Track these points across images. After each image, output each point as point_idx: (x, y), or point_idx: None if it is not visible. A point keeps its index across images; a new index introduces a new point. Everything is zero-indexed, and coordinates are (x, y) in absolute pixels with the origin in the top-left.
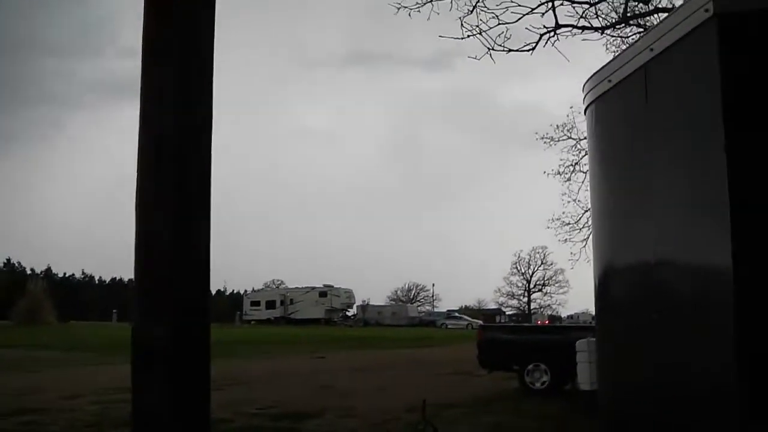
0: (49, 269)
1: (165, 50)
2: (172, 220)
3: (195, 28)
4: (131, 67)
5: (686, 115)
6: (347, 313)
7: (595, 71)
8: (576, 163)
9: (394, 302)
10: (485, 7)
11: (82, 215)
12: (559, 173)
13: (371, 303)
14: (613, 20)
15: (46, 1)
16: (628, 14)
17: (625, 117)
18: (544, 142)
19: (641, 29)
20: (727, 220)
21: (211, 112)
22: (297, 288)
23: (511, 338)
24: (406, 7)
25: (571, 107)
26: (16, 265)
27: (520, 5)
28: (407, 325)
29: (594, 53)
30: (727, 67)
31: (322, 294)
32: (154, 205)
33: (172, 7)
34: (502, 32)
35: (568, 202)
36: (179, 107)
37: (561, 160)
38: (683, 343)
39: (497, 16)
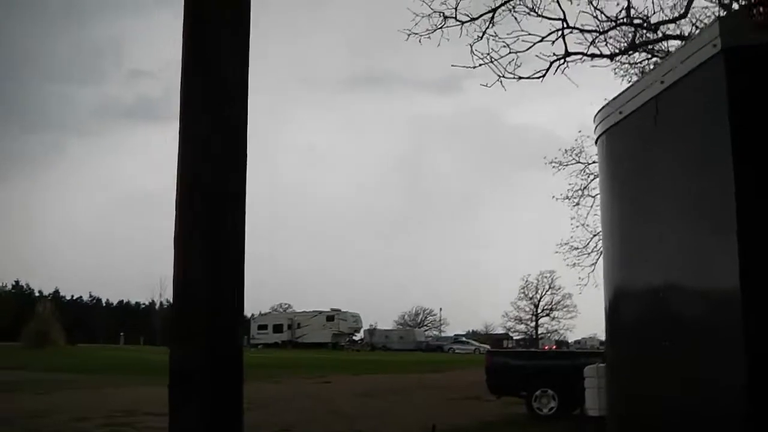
0: (57, 292)
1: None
2: (208, 255)
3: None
4: (135, 91)
5: (695, 147)
6: (354, 337)
7: (606, 102)
8: (584, 188)
9: (401, 326)
10: (496, 36)
11: (90, 238)
12: (567, 198)
13: (379, 327)
14: (622, 47)
15: (50, 25)
16: (637, 42)
17: (636, 147)
18: (553, 167)
19: (650, 56)
20: (735, 247)
21: (246, 156)
22: (304, 312)
23: (520, 364)
24: (416, 34)
25: (580, 131)
26: (25, 287)
27: (530, 34)
28: (415, 350)
29: (604, 78)
30: (735, 101)
31: (330, 318)
32: (192, 243)
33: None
34: (513, 60)
35: (577, 226)
36: (218, 160)
37: (570, 184)
38: (693, 371)
39: (508, 45)
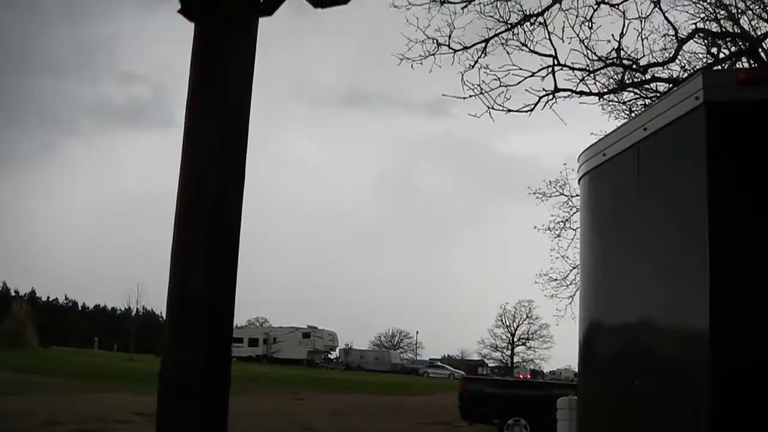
0: (33, 292)
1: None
2: (204, 262)
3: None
4: (128, 93)
5: (673, 192)
6: (330, 355)
7: (590, 144)
8: (566, 220)
9: (377, 347)
10: (487, 67)
11: (71, 239)
12: (549, 229)
13: (354, 347)
14: (611, 87)
15: (46, 22)
16: (626, 81)
17: (617, 188)
18: (537, 197)
19: (638, 96)
20: (706, 289)
21: (245, 161)
22: (281, 327)
23: (493, 391)
24: (409, 59)
25: (565, 164)
26: (0, 286)
27: (521, 68)
28: (389, 371)
29: (591, 115)
30: (713, 152)
31: (306, 335)
32: (190, 251)
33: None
34: (502, 92)
35: (557, 258)
36: (222, 162)
37: (552, 215)
38: (662, 409)
39: (498, 78)
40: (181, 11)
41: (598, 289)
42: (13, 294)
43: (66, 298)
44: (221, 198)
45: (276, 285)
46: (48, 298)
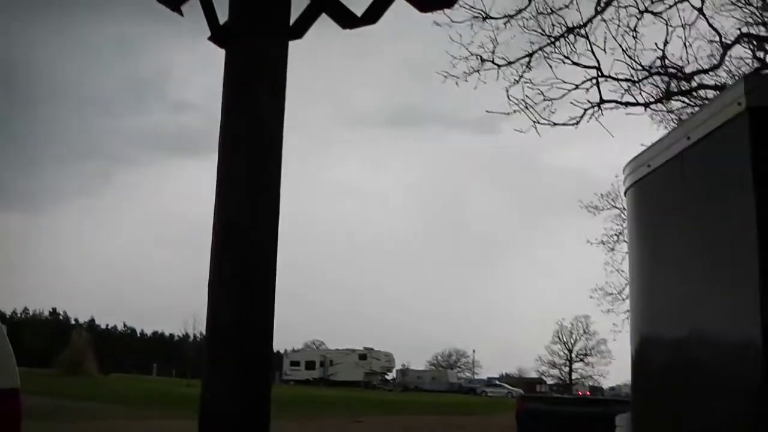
0: (92, 320)
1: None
2: (245, 293)
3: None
4: (179, 122)
5: (720, 203)
6: (387, 376)
7: (634, 156)
8: (620, 233)
9: (434, 367)
10: (531, 82)
11: (127, 268)
12: (602, 243)
13: (411, 367)
14: (657, 96)
15: (97, 57)
16: (672, 90)
17: (662, 199)
18: (589, 211)
19: (686, 105)
20: (757, 299)
21: (279, 188)
22: (337, 350)
23: (550, 409)
24: (453, 76)
25: (616, 176)
26: (61, 314)
27: (564, 81)
28: (447, 391)
29: (641, 125)
30: (758, 159)
31: (362, 356)
32: (226, 279)
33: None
34: (547, 106)
35: (611, 272)
36: (255, 190)
37: (605, 229)
38: (716, 423)
39: (542, 92)
40: (211, 38)
41: (646, 302)
42: (72, 322)
43: (124, 326)
44: (255, 226)
45: (332, 308)
46: (107, 325)
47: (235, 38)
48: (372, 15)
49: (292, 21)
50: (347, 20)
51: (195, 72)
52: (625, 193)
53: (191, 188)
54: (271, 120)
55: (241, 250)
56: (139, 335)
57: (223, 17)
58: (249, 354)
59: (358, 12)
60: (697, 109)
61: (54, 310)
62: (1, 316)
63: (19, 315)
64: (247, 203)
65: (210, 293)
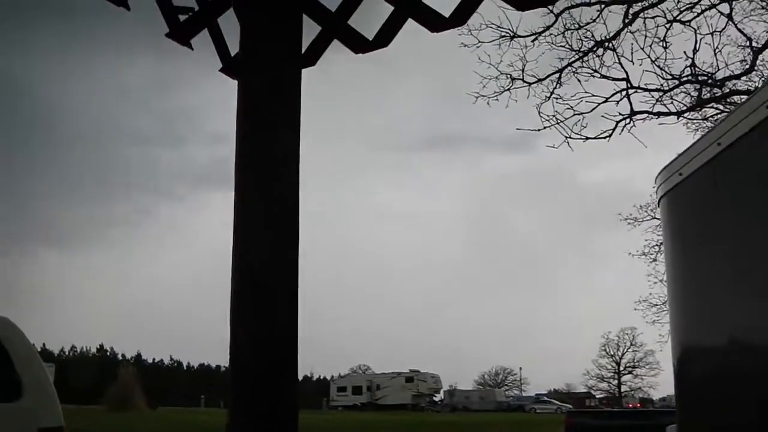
0: (139, 355)
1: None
2: (265, 329)
3: (283, 135)
4: (212, 156)
5: (754, 208)
6: (434, 398)
7: (665, 165)
8: (661, 244)
9: (481, 387)
10: (561, 98)
11: (170, 301)
12: (644, 254)
13: (458, 387)
14: (689, 104)
15: (134, 94)
16: (704, 98)
17: (696, 207)
18: (628, 223)
19: (720, 111)
20: None
21: (297, 218)
22: (383, 373)
23: (599, 424)
24: (484, 96)
25: (653, 186)
26: (108, 350)
27: (594, 95)
28: (495, 410)
29: (676, 134)
30: None
31: (409, 379)
32: (247, 318)
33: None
34: (578, 120)
35: (655, 283)
36: (273, 223)
37: (646, 240)
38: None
39: (572, 107)
40: (223, 70)
41: (685, 311)
42: (119, 358)
43: (171, 359)
44: (274, 258)
45: (377, 332)
46: (153, 359)
47: (247, 69)
48: (383, 38)
49: (303, 48)
50: (359, 45)
51: (224, 104)
52: (658, 203)
53: (228, 218)
54: (287, 149)
55: (260, 284)
56: (185, 368)
57: (234, 48)
58: (273, 392)
59: (369, 36)
60: None
61: (101, 346)
62: (49, 355)
63: (67, 353)
64: (266, 235)
65: (232, 326)
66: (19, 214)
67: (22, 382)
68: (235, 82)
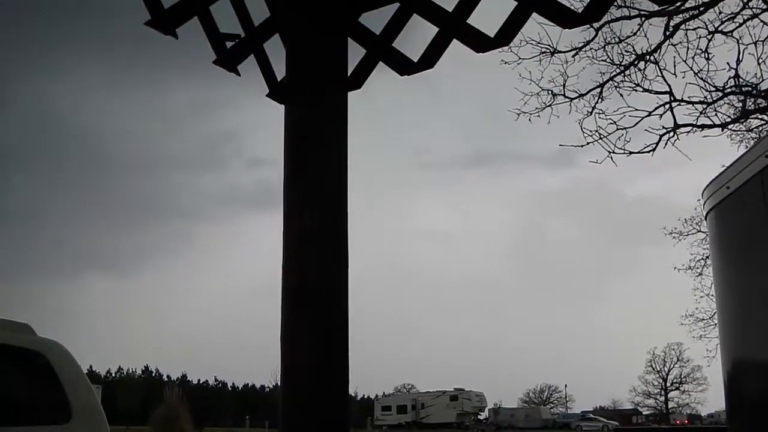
0: (184, 376)
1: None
2: (315, 352)
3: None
4: (255, 179)
5: None
6: (479, 416)
7: (713, 178)
8: (707, 257)
9: (526, 404)
10: (603, 113)
11: (216, 323)
12: (690, 268)
13: (503, 406)
14: (734, 116)
15: (173, 119)
16: (748, 108)
17: (744, 222)
18: (673, 237)
19: (765, 122)
20: None
21: (347, 242)
22: (428, 392)
23: None
24: (525, 113)
25: (698, 200)
26: (154, 372)
27: (637, 109)
28: (541, 428)
29: (721, 147)
30: None
31: (453, 398)
32: (299, 340)
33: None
34: (621, 135)
35: (701, 297)
36: (322, 247)
37: (691, 254)
38: None
39: (615, 122)
40: (270, 95)
41: (735, 327)
42: (165, 379)
43: (216, 380)
44: (324, 278)
45: (421, 351)
46: (198, 380)
47: (294, 93)
48: (428, 60)
49: (350, 71)
50: (404, 66)
51: (267, 128)
52: (705, 217)
53: (271, 241)
54: (336, 172)
55: (312, 308)
56: (230, 388)
57: (280, 73)
58: (323, 412)
59: (414, 57)
60: None
61: (146, 367)
62: (96, 377)
63: (113, 375)
64: (316, 259)
65: (282, 350)
66: (67, 242)
67: (71, 405)
68: (282, 107)
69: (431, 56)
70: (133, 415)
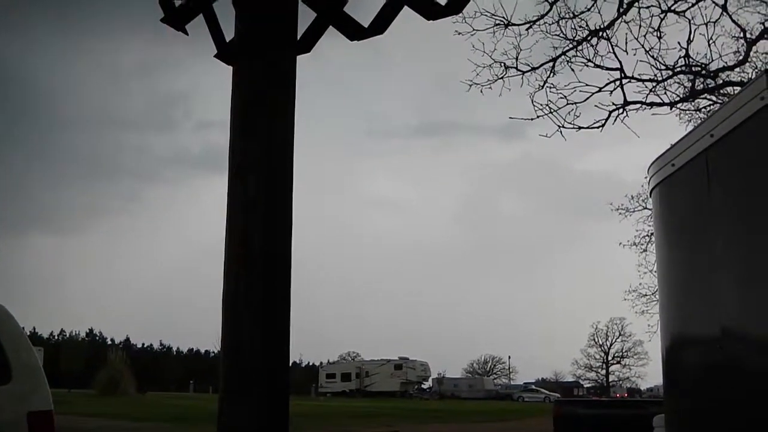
0: (128, 340)
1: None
2: (256, 319)
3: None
4: (205, 141)
5: (746, 198)
6: (423, 385)
7: (658, 155)
8: (652, 234)
9: (470, 375)
10: (554, 87)
11: (160, 286)
12: (635, 244)
13: (447, 375)
14: (683, 95)
15: (123, 80)
16: (697, 88)
17: (689, 199)
18: (620, 213)
19: (713, 102)
20: None
21: (291, 208)
22: (372, 360)
23: (588, 413)
24: (477, 84)
25: (646, 177)
26: (97, 335)
27: (587, 84)
28: (484, 398)
29: (667, 124)
30: None
31: (398, 366)
32: (240, 306)
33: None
34: (572, 110)
35: (645, 273)
36: (267, 211)
37: (637, 230)
38: (752, 423)
39: (566, 96)
40: (218, 56)
41: (676, 302)
42: (109, 342)
43: (161, 344)
44: (267, 243)
45: (366, 319)
46: (143, 344)
47: (243, 55)
48: (379, 25)
49: (299, 35)
50: (354, 31)
51: (217, 89)
52: (650, 194)
53: (220, 204)
54: (282, 137)
55: (254, 274)
56: (175, 353)
57: (229, 34)
58: (267, 381)
59: (365, 23)
60: None
61: (90, 330)
62: (39, 339)
63: (56, 337)
64: (260, 224)
65: (224, 315)
66: (9, 198)
67: (11, 366)
68: (229, 68)
69: (382, 22)
70: (77, 378)
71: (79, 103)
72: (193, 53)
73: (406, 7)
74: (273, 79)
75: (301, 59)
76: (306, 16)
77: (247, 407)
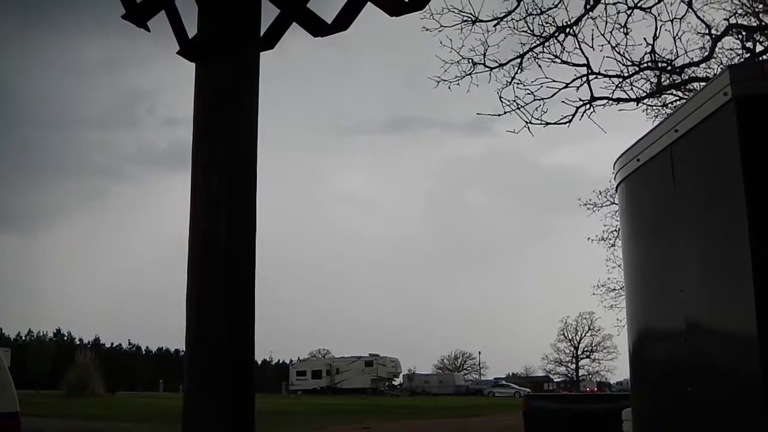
0: (97, 339)
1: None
2: (219, 318)
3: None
4: (169, 139)
5: (710, 193)
6: (393, 382)
7: (623, 151)
8: (620, 229)
9: (440, 371)
10: (521, 83)
11: (129, 285)
12: (603, 239)
13: (417, 372)
14: (649, 91)
15: (87, 76)
16: (663, 84)
17: (654, 193)
18: (588, 208)
19: (679, 98)
20: (751, 289)
21: (255, 203)
22: (343, 357)
23: (557, 407)
24: (445, 80)
25: (613, 172)
26: (65, 335)
27: (554, 80)
28: (454, 394)
29: (634, 119)
30: (747, 146)
31: (368, 363)
32: (203, 306)
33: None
34: (539, 106)
35: (613, 267)
36: (230, 207)
37: (605, 225)
38: (716, 415)
39: (533, 92)
40: (180, 52)
41: (642, 297)
42: (77, 343)
43: (129, 343)
44: (231, 240)
45: (336, 316)
46: (112, 344)
47: (205, 51)
48: (342, 22)
49: (262, 32)
50: (318, 28)
51: (180, 86)
52: (616, 189)
53: (186, 202)
54: (246, 134)
55: (218, 269)
56: (144, 352)
57: (192, 30)
58: (231, 374)
59: (329, 19)
60: None
61: (58, 330)
62: (5, 340)
63: (23, 338)
64: (224, 223)
65: (188, 313)
66: None
67: None
68: (193, 65)
69: (345, 18)
70: (45, 379)
71: (41, 100)
72: (158, 49)
73: (370, 4)
74: (236, 75)
75: (265, 56)
76: (269, 12)
77: (212, 405)
